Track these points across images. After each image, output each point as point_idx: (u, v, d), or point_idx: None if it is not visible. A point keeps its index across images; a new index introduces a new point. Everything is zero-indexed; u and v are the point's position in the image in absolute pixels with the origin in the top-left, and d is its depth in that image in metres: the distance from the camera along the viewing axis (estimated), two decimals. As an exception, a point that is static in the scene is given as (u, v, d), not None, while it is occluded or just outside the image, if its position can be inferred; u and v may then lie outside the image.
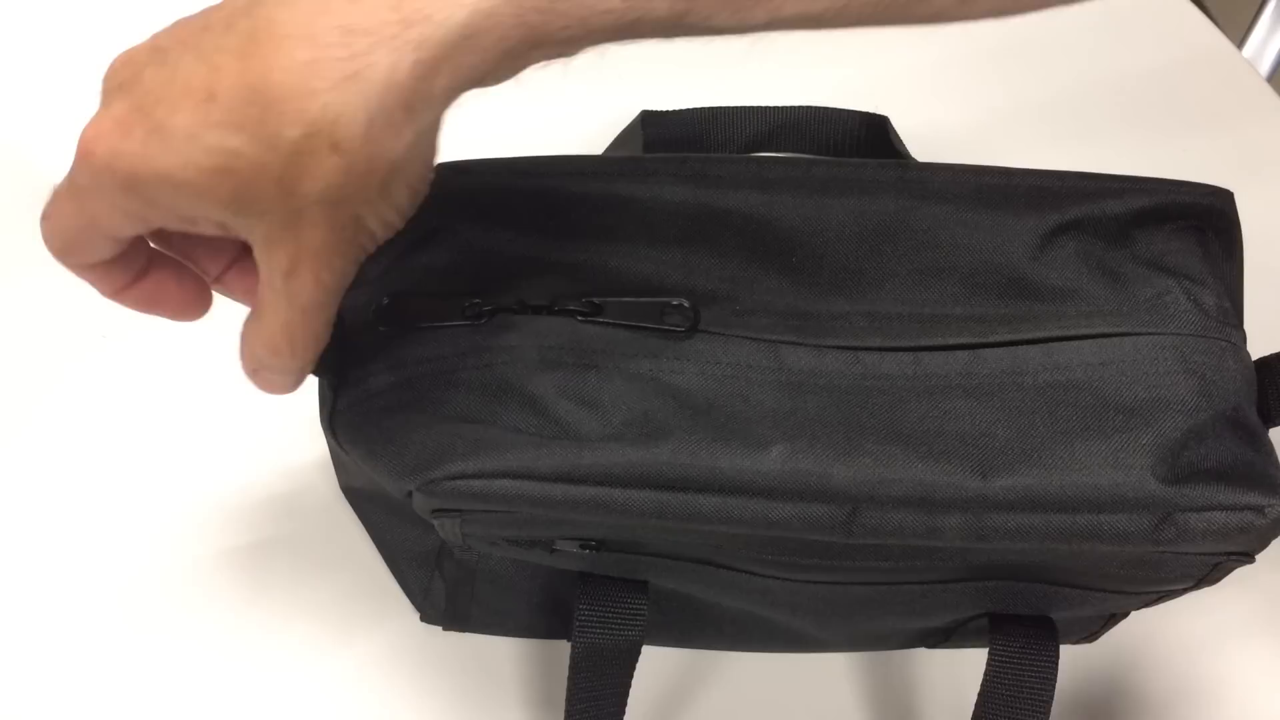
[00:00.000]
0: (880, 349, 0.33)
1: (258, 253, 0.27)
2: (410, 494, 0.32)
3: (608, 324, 0.33)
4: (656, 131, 0.47)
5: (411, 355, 0.33)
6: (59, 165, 0.27)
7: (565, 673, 0.36)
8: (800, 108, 0.49)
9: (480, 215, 0.34)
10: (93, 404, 0.45)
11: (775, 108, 0.49)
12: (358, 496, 0.40)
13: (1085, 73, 0.60)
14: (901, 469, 0.31)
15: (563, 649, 0.41)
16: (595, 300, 0.33)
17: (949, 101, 0.57)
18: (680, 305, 0.33)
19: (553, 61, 0.26)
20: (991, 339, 0.33)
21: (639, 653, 0.35)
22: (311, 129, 0.24)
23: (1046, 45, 0.59)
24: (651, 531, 0.33)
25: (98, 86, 0.26)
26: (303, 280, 0.27)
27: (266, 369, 0.30)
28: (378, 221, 0.27)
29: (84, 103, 0.27)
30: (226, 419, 0.45)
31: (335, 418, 0.33)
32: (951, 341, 0.33)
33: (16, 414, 0.45)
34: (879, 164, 0.35)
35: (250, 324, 0.29)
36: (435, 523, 0.33)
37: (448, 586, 0.39)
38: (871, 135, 0.49)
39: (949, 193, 0.35)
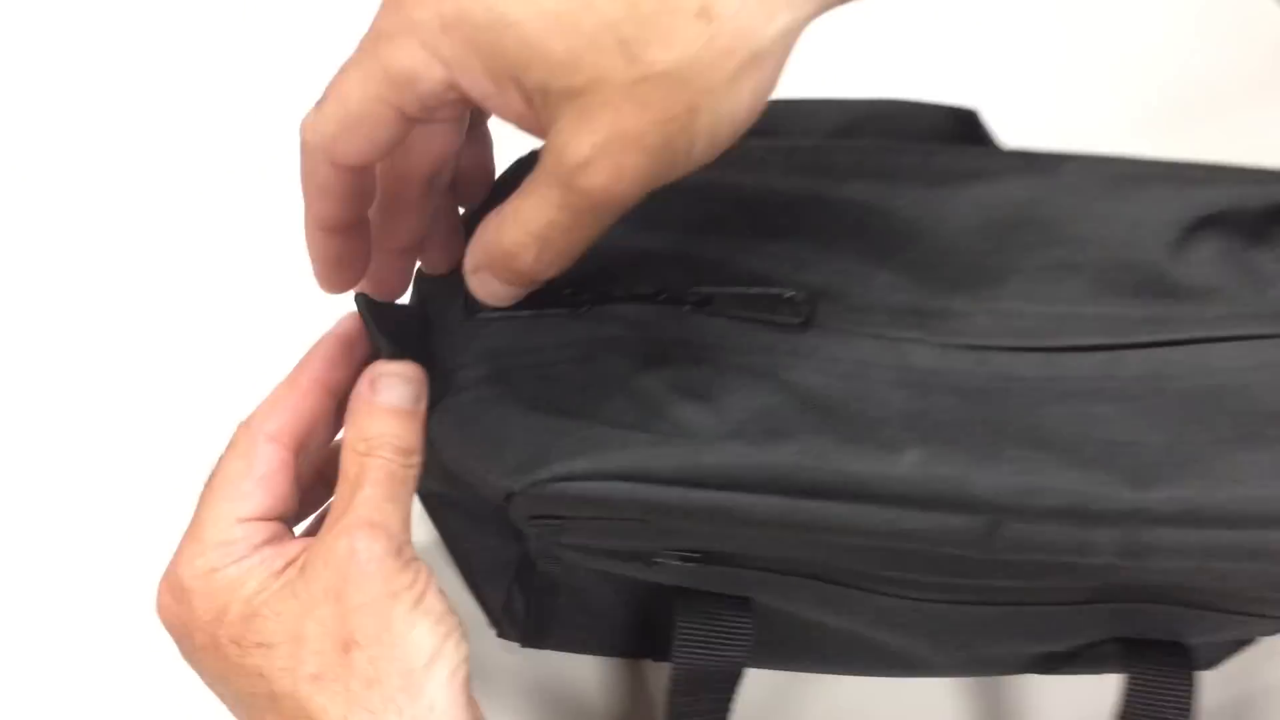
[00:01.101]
0: (1010, 349, 0.30)
1: (554, 131, 0.24)
2: (509, 497, 0.29)
3: (718, 316, 0.31)
4: None
5: (506, 346, 0.31)
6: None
7: (652, 695, 0.33)
8: (881, 101, 0.47)
9: None
10: (142, 397, 0.43)
11: (854, 101, 0.46)
12: (434, 501, 0.37)
13: (1187, 59, 0.56)
14: (1050, 477, 0.28)
15: (650, 669, 0.38)
16: (704, 290, 0.31)
17: (1033, 93, 0.54)
18: (794, 298, 0.31)
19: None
20: (1130, 340, 0.31)
21: (742, 675, 0.33)
22: None
23: (1141, 27, 0.56)
24: (766, 542, 0.30)
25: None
26: (596, 173, 0.23)
27: (495, 269, 0.26)
28: (708, 125, 0.24)
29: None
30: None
31: (427, 416, 0.31)
32: (1086, 342, 0.31)
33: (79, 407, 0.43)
34: (1002, 152, 0.33)
35: (501, 213, 0.26)
36: (531, 531, 0.30)
37: (528, 601, 0.36)
38: (961, 130, 0.47)
39: (1078, 184, 0.33)
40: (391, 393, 0.29)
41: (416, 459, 0.29)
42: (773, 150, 0.32)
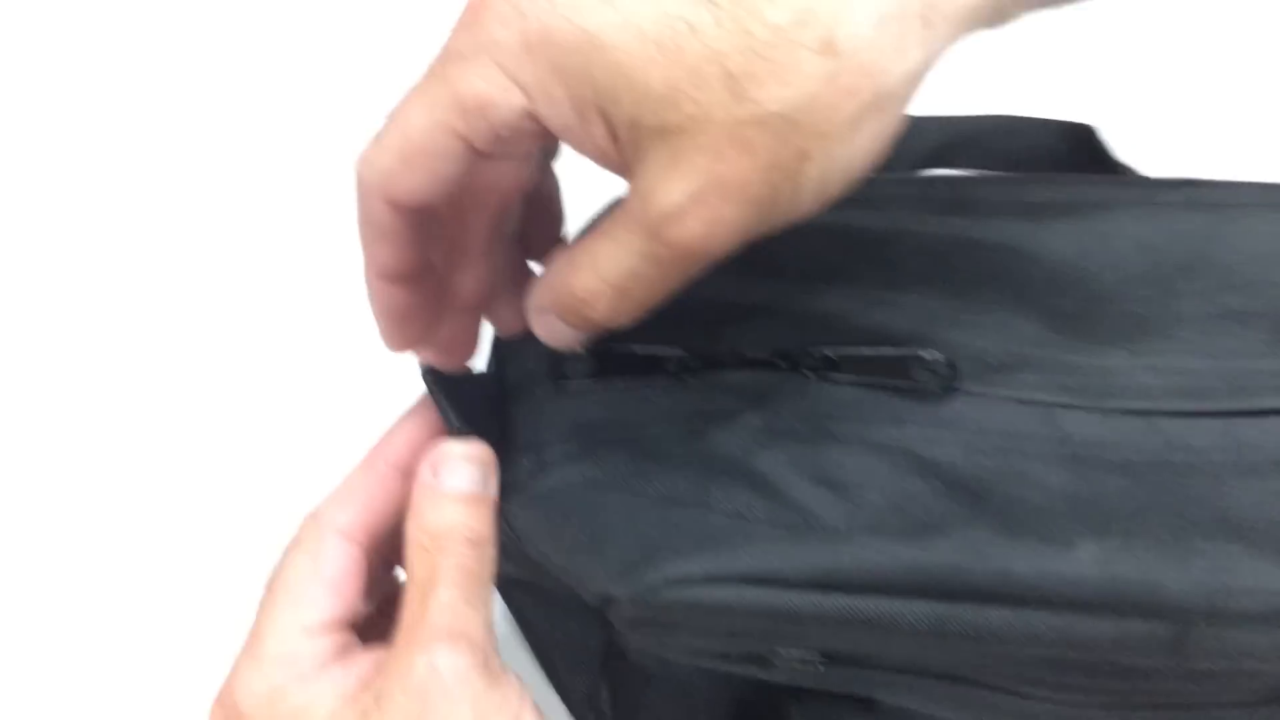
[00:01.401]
0: (1181, 414, 0.26)
1: (641, 172, 0.21)
2: (609, 601, 0.25)
3: (843, 382, 0.27)
4: None
5: (600, 420, 0.27)
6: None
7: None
8: (987, 117, 0.42)
9: None
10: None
11: (956, 118, 0.42)
12: (508, 584, 0.33)
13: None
14: (1247, 573, 0.24)
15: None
16: (829, 354, 0.27)
17: (1154, 105, 0.49)
18: (933, 360, 0.27)
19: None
20: (1323, 402, 0.27)
21: (866, 788, 0.29)
22: (803, 16, 0.19)
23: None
24: (906, 646, 0.26)
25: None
26: (689, 223, 0.21)
27: (563, 312, 0.24)
28: (818, 174, 0.21)
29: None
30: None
31: (506, 501, 0.27)
32: (1270, 405, 0.27)
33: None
34: (1163, 182, 0.29)
35: (574, 253, 0.23)
36: (631, 634, 0.27)
37: (615, 693, 0.32)
38: (1076, 149, 0.42)
39: (1250, 219, 0.28)
40: (457, 477, 0.25)
41: (491, 550, 0.25)
42: (904, 184, 0.28)
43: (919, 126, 0.43)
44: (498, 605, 0.34)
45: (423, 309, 0.25)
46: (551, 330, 0.24)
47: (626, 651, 0.32)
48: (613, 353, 0.27)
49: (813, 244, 0.28)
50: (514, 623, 0.34)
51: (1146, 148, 0.45)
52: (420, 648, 0.23)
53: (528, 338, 0.29)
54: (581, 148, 0.22)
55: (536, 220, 0.27)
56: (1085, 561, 0.24)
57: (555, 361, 0.27)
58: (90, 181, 0.48)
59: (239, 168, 0.49)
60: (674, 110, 0.20)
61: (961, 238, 0.27)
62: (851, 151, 0.21)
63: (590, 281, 0.23)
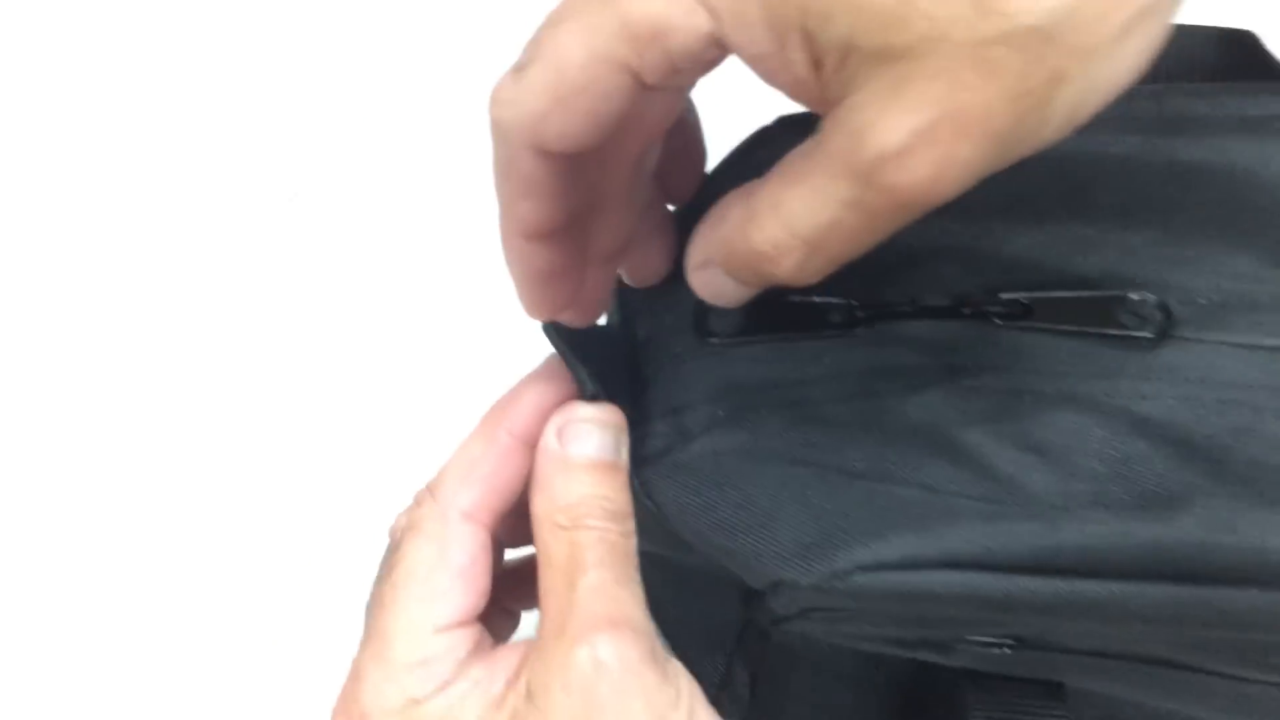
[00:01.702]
0: None
1: (850, 105, 0.18)
2: (777, 584, 0.22)
3: (1039, 330, 0.23)
4: None
5: (753, 379, 0.23)
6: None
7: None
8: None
9: None
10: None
11: None
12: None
13: None
14: None
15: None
16: (1021, 298, 0.23)
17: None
18: (1142, 301, 0.23)
19: None
20: None
21: (1054, 778, 0.26)
22: None
23: None
24: (1127, 630, 0.23)
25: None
26: (914, 166, 0.17)
27: (734, 268, 0.20)
28: (1071, 100, 0.17)
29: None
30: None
31: (645, 469, 0.24)
32: None
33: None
34: None
35: (753, 201, 0.20)
36: (798, 621, 0.24)
37: (755, 675, 0.30)
38: (1233, 58, 0.38)
39: None
40: (587, 443, 0.22)
41: (631, 524, 0.22)
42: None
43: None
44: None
45: (571, 267, 0.22)
46: (715, 287, 0.21)
47: (770, 632, 0.29)
48: (766, 303, 0.24)
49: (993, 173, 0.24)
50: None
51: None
52: (578, 639, 0.20)
53: (661, 288, 0.25)
54: (773, 77, 0.19)
55: (676, 156, 0.24)
56: None
57: (699, 314, 0.24)
58: (104, 180, 0.46)
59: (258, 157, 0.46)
60: (901, 30, 0.16)
61: (1171, 161, 0.23)
62: (1114, 70, 0.17)
63: (775, 234, 0.19)
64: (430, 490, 0.23)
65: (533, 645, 0.21)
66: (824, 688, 0.30)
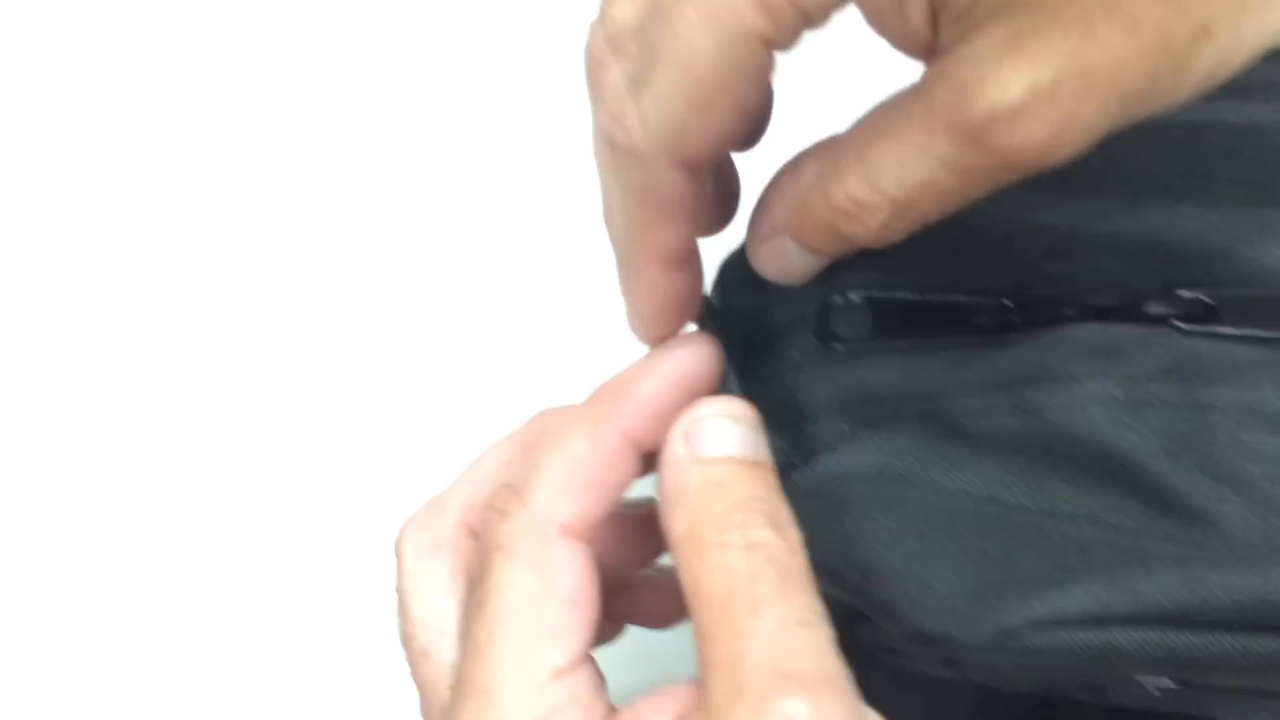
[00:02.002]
0: None
1: (960, 56, 0.16)
2: (930, 638, 0.19)
3: (1226, 337, 0.20)
4: None
5: (885, 391, 0.20)
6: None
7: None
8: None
9: None
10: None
11: None
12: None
13: None
14: None
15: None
16: (1202, 295, 0.20)
17: None
18: (1349, 300, 0.20)
19: None
20: None
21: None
22: None
23: None
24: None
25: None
26: (1029, 125, 0.15)
27: (807, 232, 0.18)
28: (1214, 57, 0.16)
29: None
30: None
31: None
32: None
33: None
34: None
35: (830, 155, 0.18)
36: (942, 667, 0.21)
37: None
38: None
39: None
40: (727, 440, 0.18)
41: (798, 535, 0.18)
42: (1275, 58, 0.21)
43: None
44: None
45: (697, 282, 0.19)
46: (783, 261, 0.19)
47: (876, 656, 0.26)
48: (898, 303, 0.21)
49: (1162, 143, 0.21)
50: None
51: None
52: (763, 706, 0.16)
53: (772, 286, 0.22)
54: (885, 29, 0.17)
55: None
56: None
57: (821, 315, 0.21)
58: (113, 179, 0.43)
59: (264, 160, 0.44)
60: None
61: None
62: (1265, 25, 0.16)
63: (859, 190, 0.17)
64: (519, 497, 0.19)
65: (696, 705, 0.17)
66: (923, 709, 0.27)
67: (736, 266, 0.23)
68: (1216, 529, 0.18)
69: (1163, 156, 0.21)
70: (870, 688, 0.27)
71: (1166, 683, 0.21)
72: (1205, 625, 0.17)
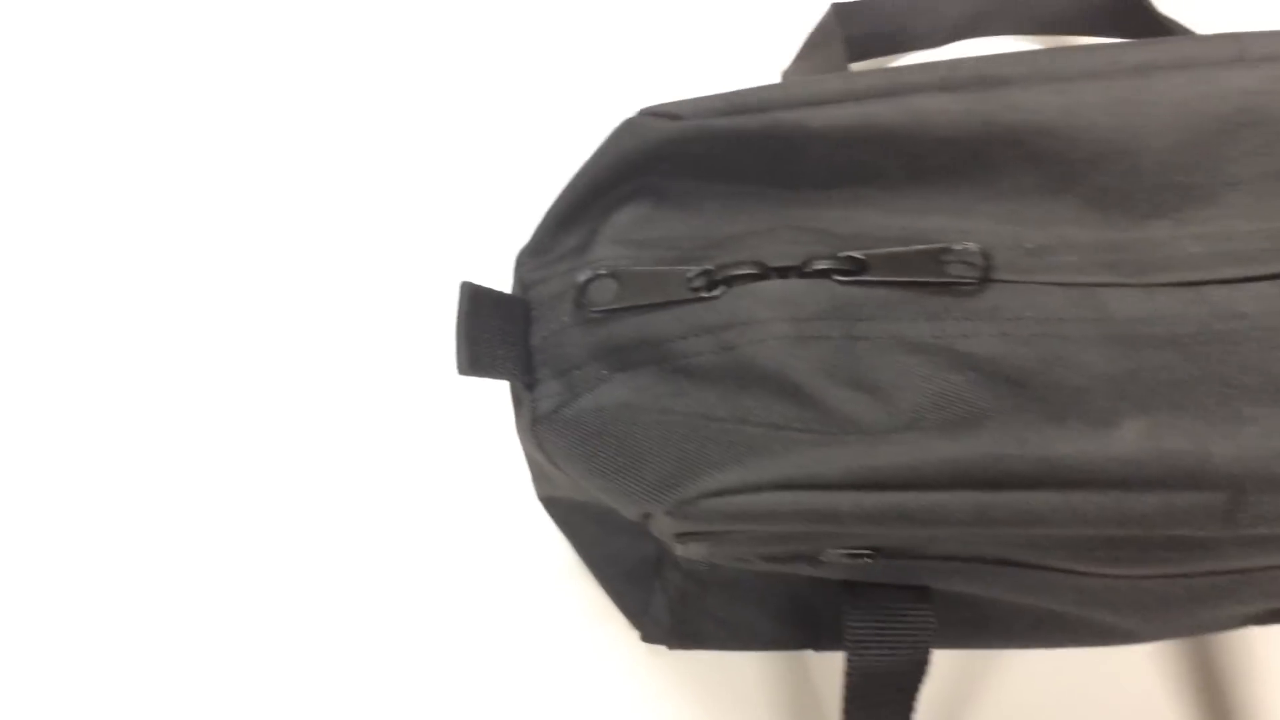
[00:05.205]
0: (1230, 280, 0.25)
1: None
2: (648, 515, 0.26)
3: (875, 283, 0.26)
4: (857, 28, 0.39)
5: (627, 342, 0.27)
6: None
7: (818, 688, 0.30)
8: (1017, -23, 0.40)
9: (695, 166, 0.27)
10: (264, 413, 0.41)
11: None
12: (559, 508, 0.34)
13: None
14: None
15: (812, 660, 0.36)
16: (856, 255, 0.26)
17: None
18: (964, 250, 0.26)
19: None
20: (1381, 253, 0.25)
21: (926, 672, 0.29)
22: None
23: None
24: (954, 537, 0.26)
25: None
26: None
27: None
28: None
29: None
30: (408, 422, 0.40)
31: (539, 426, 0.27)
32: None
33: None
34: (1204, 40, 0.27)
35: None
36: (678, 546, 0.27)
37: (672, 601, 0.33)
38: (1117, 6, 0.40)
39: None
40: None
41: None
42: (927, 70, 0.27)
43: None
44: (548, 521, 0.35)
45: None
46: None
47: (679, 561, 0.33)
48: (634, 274, 0.27)
49: (834, 146, 0.27)
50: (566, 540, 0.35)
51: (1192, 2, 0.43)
52: None
53: (549, 272, 0.29)
54: None
55: None
56: (1130, 438, 0.23)
57: (580, 289, 0.27)
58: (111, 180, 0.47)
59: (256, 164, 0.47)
60: None
61: (991, 122, 0.26)
62: None
63: None
64: None
65: None
66: (732, 607, 0.33)
67: (526, 259, 0.29)
68: (853, 422, 0.25)
69: (834, 156, 0.27)
70: (684, 592, 0.34)
71: (860, 551, 0.27)
72: (826, 487, 0.24)
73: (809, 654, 0.35)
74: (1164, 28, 0.39)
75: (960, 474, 0.24)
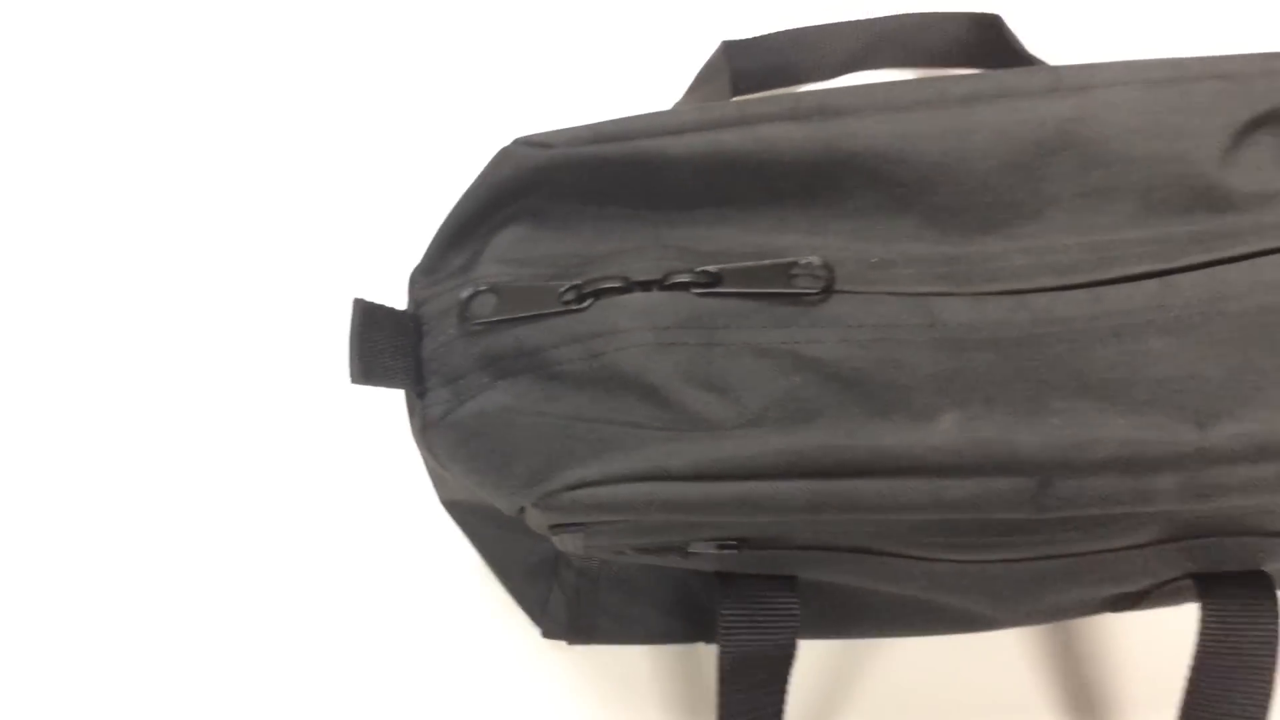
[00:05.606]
0: (1050, 289, 0.28)
1: None
2: (523, 510, 0.28)
3: (729, 294, 0.29)
4: (745, 63, 0.42)
5: (507, 351, 0.29)
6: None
7: (708, 678, 0.32)
8: (895, 17, 0.43)
9: (566, 191, 0.30)
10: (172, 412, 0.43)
11: (868, 20, 0.43)
12: (460, 510, 0.36)
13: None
14: (1099, 428, 0.26)
15: (704, 652, 0.38)
16: (711, 269, 0.29)
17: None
18: (809, 264, 0.28)
19: None
20: (1182, 262, 0.28)
21: (794, 656, 0.32)
22: None
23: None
24: (802, 525, 0.29)
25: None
26: None
27: None
28: None
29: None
30: (316, 432, 0.42)
31: (428, 431, 0.29)
32: (1135, 271, 0.28)
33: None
34: (1026, 72, 0.30)
35: None
36: (554, 538, 0.29)
37: (569, 597, 0.36)
38: (983, 39, 0.43)
39: (1114, 96, 0.29)
40: None
41: None
42: (774, 101, 0.30)
43: (831, 33, 0.45)
44: (450, 524, 0.37)
45: None
46: None
47: (573, 559, 0.35)
48: (512, 289, 0.29)
49: (692, 172, 0.30)
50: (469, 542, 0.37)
51: (1055, 35, 0.46)
52: None
53: (435, 290, 0.31)
54: None
55: None
56: (946, 430, 0.26)
57: (463, 304, 0.30)
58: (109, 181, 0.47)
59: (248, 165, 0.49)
60: None
61: (833, 147, 0.29)
62: None
63: None
64: None
65: None
66: (625, 603, 0.35)
67: (418, 278, 0.31)
68: (705, 420, 0.27)
69: (690, 181, 0.29)
70: (578, 589, 0.36)
71: (724, 541, 0.30)
72: (674, 479, 0.26)
73: (701, 646, 0.37)
74: (1021, 59, 0.42)
75: (795, 464, 0.26)
